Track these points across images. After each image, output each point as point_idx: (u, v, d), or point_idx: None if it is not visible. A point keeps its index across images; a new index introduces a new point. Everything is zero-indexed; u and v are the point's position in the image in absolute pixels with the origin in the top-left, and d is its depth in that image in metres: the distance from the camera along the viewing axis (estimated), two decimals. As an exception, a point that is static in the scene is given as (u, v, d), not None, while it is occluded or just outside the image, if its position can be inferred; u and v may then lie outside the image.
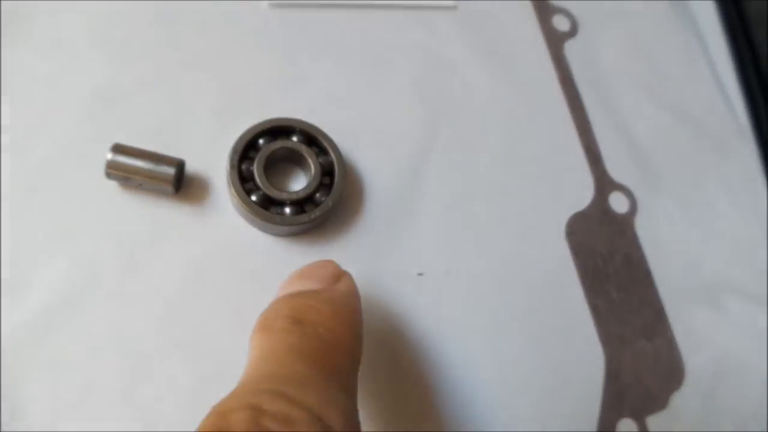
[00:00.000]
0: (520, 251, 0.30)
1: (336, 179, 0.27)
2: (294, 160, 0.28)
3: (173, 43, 0.30)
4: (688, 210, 0.34)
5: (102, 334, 0.25)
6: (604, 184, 0.33)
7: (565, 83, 0.35)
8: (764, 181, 0.36)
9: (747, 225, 0.34)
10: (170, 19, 0.30)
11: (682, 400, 0.29)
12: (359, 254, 0.28)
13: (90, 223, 0.26)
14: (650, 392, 0.29)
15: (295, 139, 0.28)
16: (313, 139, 0.28)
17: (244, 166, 0.27)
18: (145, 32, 0.30)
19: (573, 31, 0.36)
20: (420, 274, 0.28)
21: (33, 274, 0.25)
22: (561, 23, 0.36)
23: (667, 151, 0.35)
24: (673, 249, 0.32)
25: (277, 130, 0.28)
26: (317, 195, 0.27)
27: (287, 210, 0.27)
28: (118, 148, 0.26)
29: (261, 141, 0.27)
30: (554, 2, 0.36)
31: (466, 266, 0.29)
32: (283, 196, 0.27)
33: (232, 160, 0.26)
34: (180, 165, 0.26)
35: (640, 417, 0.29)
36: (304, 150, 0.27)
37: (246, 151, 0.27)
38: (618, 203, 0.33)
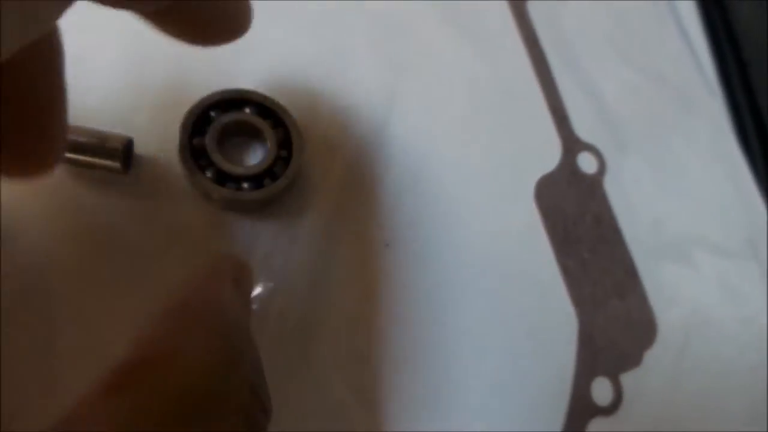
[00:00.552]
0: (488, 214, 0.30)
1: (294, 152, 0.26)
2: (249, 133, 0.27)
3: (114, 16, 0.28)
4: (656, 168, 0.33)
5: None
6: (571, 144, 0.32)
7: (528, 43, 0.34)
8: (732, 138, 0.36)
9: (716, 181, 0.34)
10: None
11: (655, 356, 0.29)
12: (324, 227, 0.27)
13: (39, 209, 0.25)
14: (624, 350, 0.29)
15: (248, 110, 0.27)
16: (267, 110, 0.27)
17: (195, 141, 0.26)
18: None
19: (535, -11, 0.35)
20: (387, 245, 0.28)
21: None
22: (522, -19, 0.35)
23: (635, 110, 0.34)
24: (642, 207, 0.32)
25: (229, 101, 0.26)
26: (275, 169, 0.26)
27: (245, 185, 0.26)
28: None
29: (213, 114, 0.26)
30: (515, -41, 0.35)
31: (434, 234, 0.29)
32: (239, 170, 0.26)
33: (182, 136, 0.25)
34: (128, 142, 0.25)
35: (614, 375, 0.29)
36: (258, 122, 0.26)
37: (198, 125, 0.26)
38: (586, 163, 0.32)
